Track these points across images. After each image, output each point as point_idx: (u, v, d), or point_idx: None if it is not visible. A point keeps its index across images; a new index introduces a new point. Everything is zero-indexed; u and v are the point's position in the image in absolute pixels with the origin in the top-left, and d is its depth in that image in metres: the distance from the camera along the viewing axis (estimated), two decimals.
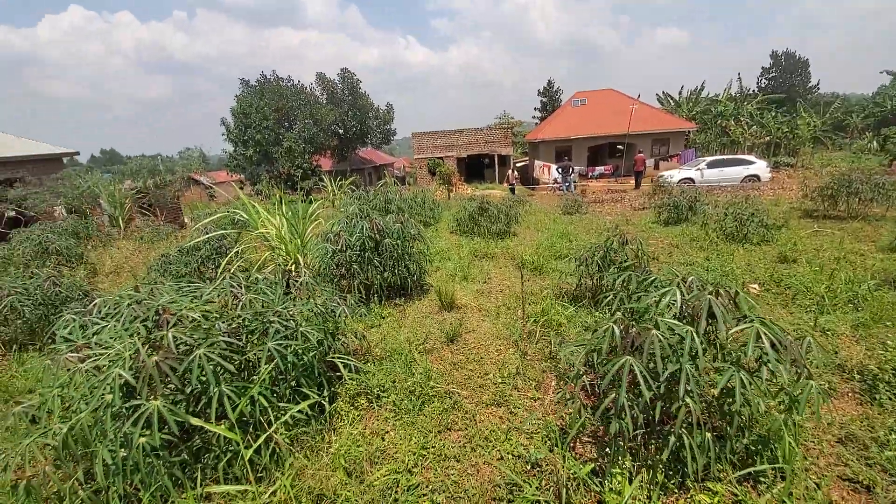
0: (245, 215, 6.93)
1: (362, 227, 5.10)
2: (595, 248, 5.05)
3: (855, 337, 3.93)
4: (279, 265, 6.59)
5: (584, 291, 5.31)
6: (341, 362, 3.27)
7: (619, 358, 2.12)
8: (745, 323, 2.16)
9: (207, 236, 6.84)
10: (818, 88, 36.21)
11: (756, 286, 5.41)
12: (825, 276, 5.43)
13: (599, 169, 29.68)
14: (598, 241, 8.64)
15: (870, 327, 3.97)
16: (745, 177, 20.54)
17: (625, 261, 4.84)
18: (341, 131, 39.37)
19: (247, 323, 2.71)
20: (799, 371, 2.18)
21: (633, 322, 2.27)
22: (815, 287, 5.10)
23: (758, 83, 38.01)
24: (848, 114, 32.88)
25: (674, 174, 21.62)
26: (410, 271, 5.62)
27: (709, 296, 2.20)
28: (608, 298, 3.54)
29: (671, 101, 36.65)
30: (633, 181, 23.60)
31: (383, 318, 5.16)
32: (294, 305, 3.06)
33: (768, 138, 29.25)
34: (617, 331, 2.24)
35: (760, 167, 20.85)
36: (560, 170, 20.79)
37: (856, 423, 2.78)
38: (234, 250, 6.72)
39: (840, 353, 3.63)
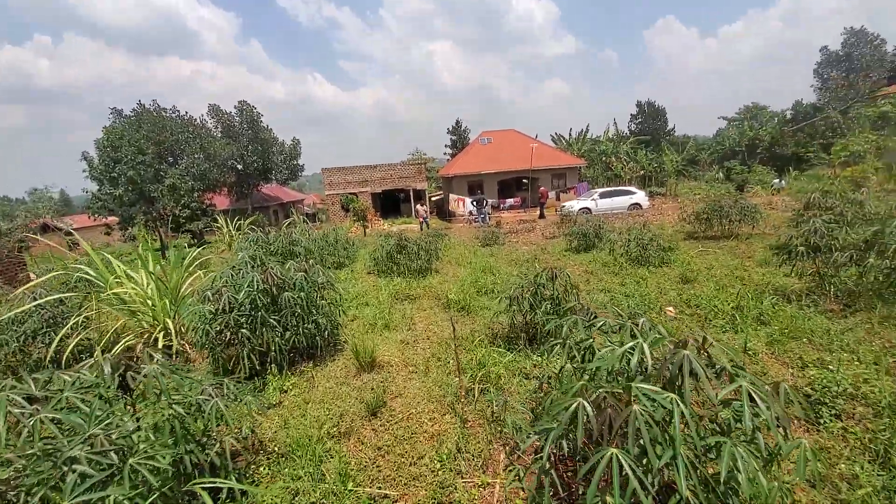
0: (91, 271, 5.32)
1: (252, 279, 4.07)
2: (525, 285, 4.71)
3: (773, 354, 4.05)
4: (143, 335, 5.10)
5: (517, 332, 4.89)
6: (210, 487, 2.23)
7: (600, 451, 1.58)
8: (730, 382, 1.79)
9: (35, 303, 5.04)
10: (674, 131, 44.04)
11: (672, 309, 5.57)
12: (726, 294, 5.82)
13: (510, 201, 31.40)
14: (519, 271, 8.67)
15: (783, 343, 4.15)
16: (630, 205, 23.27)
17: (555, 296, 4.56)
18: (240, 167, 36.24)
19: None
20: (783, 426, 1.87)
21: (605, 394, 1.77)
22: (721, 305, 5.39)
23: (628, 126, 44.81)
24: (699, 151, 40.10)
25: (574, 204, 23.70)
26: (320, 327, 4.67)
27: (684, 350, 1.81)
28: (554, 348, 3.10)
29: (563, 141, 41.09)
30: (538, 211, 25.34)
31: (285, 391, 4.09)
32: (129, 416, 2.01)
33: (642, 172, 34.11)
34: (589, 410, 1.72)
35: (641, 196, 23.88)
36: (475, 203, 21.35)
37: (817, 456, 2.62)
38: (75, 319, 5.02)
39: (768, 375, 3.65)
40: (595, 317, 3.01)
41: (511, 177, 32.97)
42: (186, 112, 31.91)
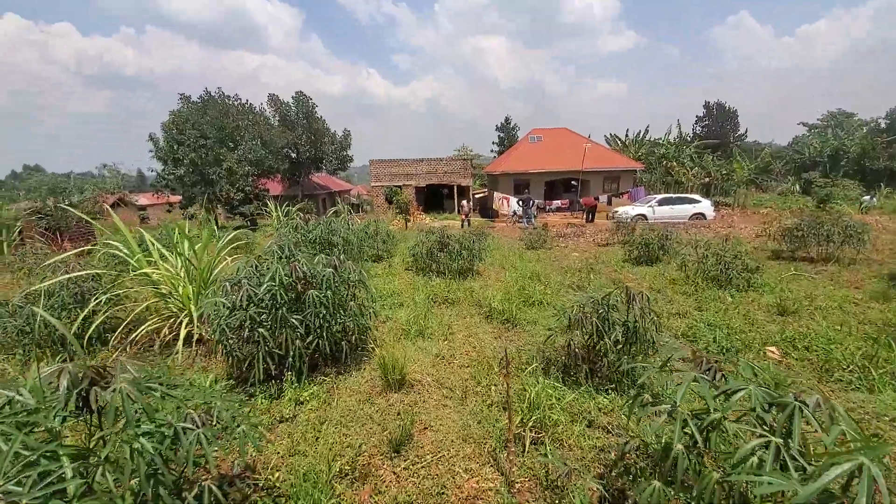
0: (123, 249, 5.13)
1: (276, 272, 3.58)
2: (591, 306, 3.88)
3: None
4: (170, 319, 4.82)
5: (576, 360, 4.08)
6: None
7: None
8: None
9: (66, 276, 4.92)
10: (746, 136, 40.09)
11: (775, 350, 4.48)
12: (845, 335, 4.63)
13: (556, 202, 29.96)
14: (572, 281, 7.74)
15: None
16: (693, 214, 21.21)
17: (630, 322, 3.70)
18: (293, 155, 37.40)
19: None
20: None
21: None
22: (841, 351, 4.24)
23: (693, 130, 41.34)
24: (773, 159, 36.30)
25: (628, 210, 21.96)
26: (347, 331, 4.13)
27: None
28: (638, 400, 2.28)
29: (619, 142, 38.65)
30: (584, 216, 23.86)
31: (301, 403, 3.58)
32: (70, 460, 1.49)
33: (707, 179, 31.22)
34: None
35: (706, 206, 21.70)
36: (521, 202, 20.33)
37: None
38: (101, 297, 4.84)
39: None
40: (713, 370, 2.15)
41: (560, 178, 31.41)
42: (247, 100, 33.30)
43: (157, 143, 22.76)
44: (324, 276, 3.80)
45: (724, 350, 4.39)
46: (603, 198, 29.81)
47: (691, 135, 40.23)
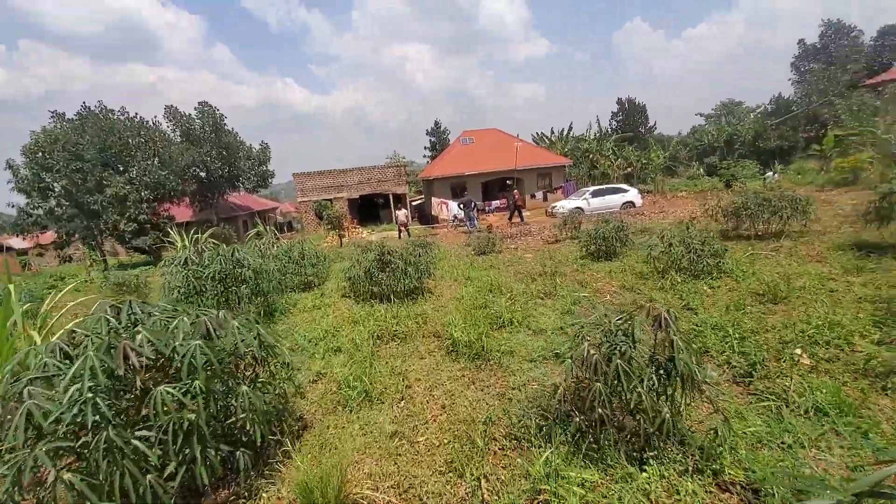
0: None
1: (83, 369, 1.96)
2: (602, 336, 2.76)
3: None
4: None
5: (593, 423, 2.93)
6: None
7: None
8: None
9: None
10: (655, 128, 43.59)
11: (803, 354, 3.74)
12: (852, 321, 4.06)
13: (495, 203, 29.75)
14: (537, 289, 6.71)
15: None
16: (623, 203, 21.91)
17: (662, 358, 2.64)
18: (203, 174, 33.25)
19: None
20: None
21: None
22: (858, 340, 3.60)
23: (609, 125, 44.07)
24: (676, 148, 39.61)
25: (565, 204, 22.17)
26: (245, 441, 2.58)
27: None
28: None
29: (546, 140, 39.84)
30: (524, 212, 23.63)
31: None
32: None
33: (630, 169, 33.09)
34: None
35: (634, 194, 22.56)
36: (462, 206, 19.44)
37: None
38: None
39: None
40: None
41: (495, 177, 31.34)
42: (137, 114, 28.79)
43: (17, 171, 18.31)
44: (188, 352, 2.24)
45: (754, 365, 3.55)
46: (538, 194, 30.22)
47: (609, 130, 42.79)
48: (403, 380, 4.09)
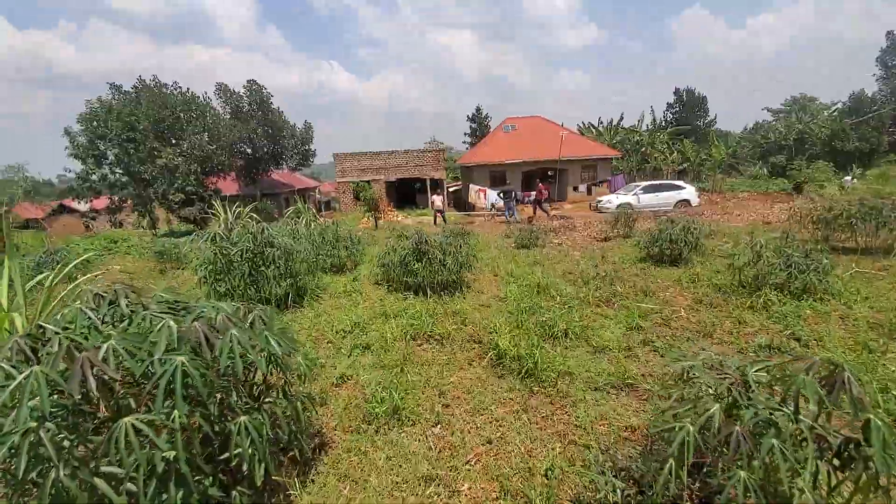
0: None
1: (30, 389, 1.45)
2: (727, 389, 1.96)
3: None
4: None
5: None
6: None
7: None
8: None
9: None
10: (715, 122, 40.10)
11: None
12: None
13: (534, 194, 28.43)
14: (594, 294, 5.83)
15: None
16: (678, 201, 20.18)
17: (830, 433, 1.82)
18: (249, 151, 34.01)
19: None
20: None
21: None
22: None
23: (664, 116, 40.98)
24: (738, 145, 36.28)
25: (612, 199, 20.70)
26: (244, 476, 2.03)
27: None
28: None
29: (593, 130, 37.64)
30: (563, 206, 22.37)
31: None
32: None
33: (686, 165, 30.61)
34: None
35: (690, 192, 20.73)
36: (501, 194, 18.51)
37: None
38: None
39: None
40: None
41: (537, 167, 29.92)
42: (189, 90, 29.64)
43: (74, 138, 19.23)
44: (167, 373, 1.67)
45: None
46: (582, 187, 28.63)
47: (664, 122, 39.86)
48: (440, 396, 3.46)
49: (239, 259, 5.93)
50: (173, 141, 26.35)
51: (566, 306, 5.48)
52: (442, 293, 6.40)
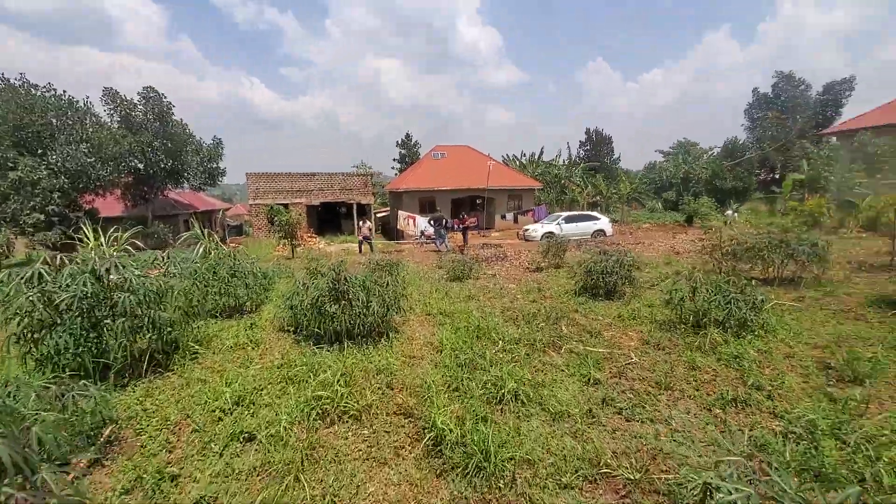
0: None
1: None
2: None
3: None
4: None
5: None
6: None
7: None
8: None
9: None
10: (619, 161, 44.81)
11: None
12: None
13: (469, 221, 28.48)
14: (540, 336, 5.18)
15: None
16: (594, 231, 21.40)
17: None
18: (141, 165, 29.47)
19: None
20: None
21: None
22: None
23: (578, 153, 44.78)
24: (638, 181, 40.71)
25: (538, 228, 21.31)
26: None
27: None
28: None
29: (517, 162, 39.59)
30: (492, 234, 22.67)
31: None
32: None
33: (598, 197, 33.27)
34: None
35: (605, 223, 22.18)
36: (432, 222, 17.89)
37: None
38: None
39: None
40: None
41: (465, 195, 30.26)
42: (66, 92, 24.99)
43: None
44: None
45: None
46: (509, 215, 29.41)
47: (577, 158, 43.43)
48: None
49: (72, 309, 4.20)
50: (40, 151, 21.66)
51: (511, 355, 4.70)
52: (364, 342, 5.25)
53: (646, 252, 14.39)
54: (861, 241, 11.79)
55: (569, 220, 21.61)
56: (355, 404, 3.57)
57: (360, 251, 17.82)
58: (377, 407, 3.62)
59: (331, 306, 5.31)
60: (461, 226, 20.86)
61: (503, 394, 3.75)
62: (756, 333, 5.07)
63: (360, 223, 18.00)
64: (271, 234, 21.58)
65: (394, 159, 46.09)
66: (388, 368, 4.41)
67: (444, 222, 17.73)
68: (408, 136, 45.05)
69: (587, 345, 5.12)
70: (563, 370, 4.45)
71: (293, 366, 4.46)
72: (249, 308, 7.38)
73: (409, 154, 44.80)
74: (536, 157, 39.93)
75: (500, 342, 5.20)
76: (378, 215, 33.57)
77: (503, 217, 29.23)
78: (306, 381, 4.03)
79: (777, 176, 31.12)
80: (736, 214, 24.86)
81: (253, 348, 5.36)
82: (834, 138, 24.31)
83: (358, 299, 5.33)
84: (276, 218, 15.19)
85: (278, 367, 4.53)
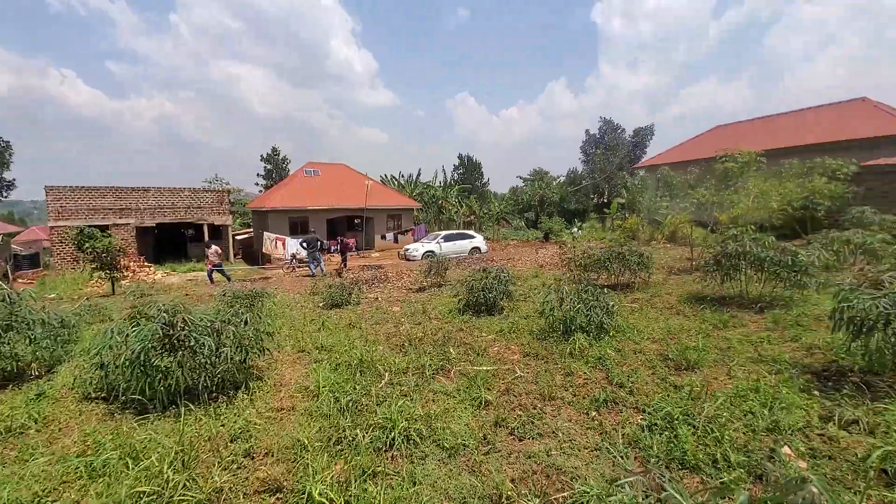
0: None
1: None
2: None
3: None
4: None
5: None
6: None
7: None
8: None
9: None
10: (489, 184, 49.33)
11: (788, 451, 2.96)
12: (794, 395, 3.66)
13: (345, 242, 27.19)
14: (430, 362, 4.84)
15: None
16: (471, 248, 22.76)
17: None
18: None
19: None
20: None
21: None
22: (829, 428, 3.07)
23: (452, 175, 47.71)
24: (503, 203, 45.53)
25: (418, 247, 21.60)
26: None
27: None
28: None
29: (395, 182, 39.97)
30: (371, 254, 22.24)
31: None
32: None
33: (473, 217, 35.67)
34: None
35: (480, 240, 23.79)
36: (306, 244, 16.38)
37: None
38: None
39: None
40: None
41: (342, 215, 29.02)
42: None
43: None
44: None
45: (759, 479, 2.52)
46: (389, 235, 29.15)
47: (452, 180, 46.16)
48: None
49: None
50: None
51: (400, 388, 4.29)
52: (215, 399, 4.17)
53: (517, 266, 15.73)
54: (667, 250, 15.03)
55: (447, 238, 22.47)
56: (198, 494, 2.66)
57: (212, 281, 15.18)
58: (231, 490, 2.76)
59: (162, 359, 4.08)
60: (338, 247, 19.79)
61: (393, 437, 3.31)
62: (611, 335, 5.74)
63: (208, 249, 15.36)
64: (81, 265, 16.74)
65: (258, 174, 41.68)
66: (246, 431, 3.52)
67: (318, 244, 16.40)
68: (275, 150, 41.41)
69: (475, 364, 5.05)
70: (454, 396, 4.23)
71: (101, 451, 3.19)
72: (37, 371, 5.33)
73: (276, 170, 41.11)
74: (414, 178, 41.04)
75: (387, 374, 4.75)
76: (238, 237, 29.64)
77: (383, 237, 28.85)
78: (121, 474, 2.89)
79: (607, 200, 38.22)
80: (580, 231, 29.57)
81: (39, 431, 3.77)
82: (643, 171, 31.01)
83: (203, 345, 4.23)
84: (87, 244, 11.77)
85: (77, 457, 3.20)
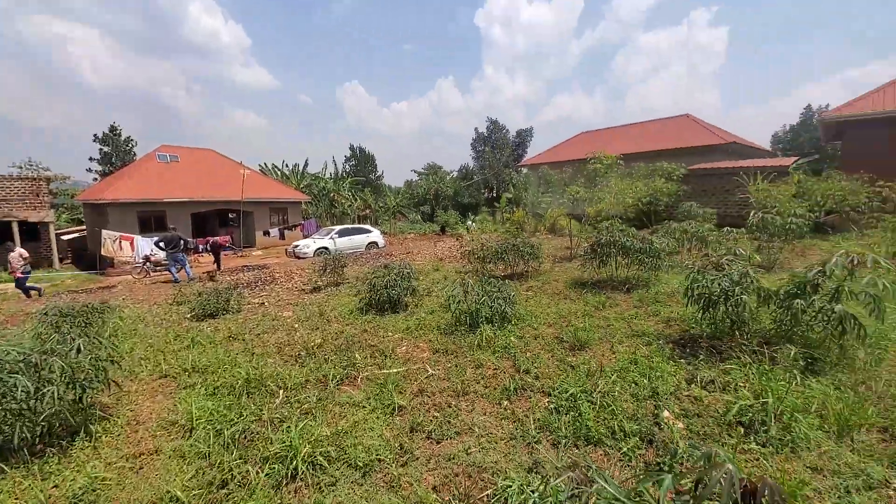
0: None
1: None
2: None
3: None
4: None
5: None
6: None
7: None
8: None
9: None
10: (383, 177, 48.31)
11: (668, 415, 3.39)
12: (664, 362, 4.26)
13: (216, 240, 23.65)
14: (330, 370, 4.25)
15: None
16: (368, 243, 22.08)
17: None
18: None
19: None
20: None
21: None
22: (698, 390, 3.65)
23: (344, 167, 45.47)
24: (403, 195, 45.37)
25: (309, 244, 20.10)
26: None
27: None
28: None
29: (278, 172, 36.38)
30: (252, 253, 19.99)
31: None
32: None
33: (368, 211, 34.55)
34: None
35: (377, 235, 23.20)
36: (164, 243, 13.68)
37: None
38: None
39: None
40: None
41: (212, 209, 25.27)
42: None
43: None
44: None
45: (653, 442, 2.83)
46: (274, 231, 26.41)
47: (344, 172, 43.98)
48: None
49: None
50: None
51: (300, 406, 3.75)
52: (39, 456, 3.06)
53: (416, 260, 15.67)
54: (549, 241, 16.67)
55: (342, 233, 21.30)
56: None
57: (28, 294, 11.73)
58: None
59: None
60: (208, 246, 17.15)
61: (296, 466, 2.83)
62: (513, 323, 6.01)
63: (11, 254, 11.81)
64: None
65: (91, 158, 33.56)
66: (91, 490, 2.63)
67: (181, 243, 13.84)
68: (113, 128, 33.79)
69: (384, 367, 4.75)
70: (364, 406, 3.88)
71: None
72: None
73: (116, 153, 33.63)
74: (301, 168, 37.90)
75: (282, 391, 4.13)
76: (66, 237, 23.62)
77: (266, 233, 26.01)
78: None
79: (496, 195, 40.89)
80: (473, 224, 31.12)
81: None
82: (525, 169, 33.96)
83: (16, 387, 3.06)
84: None
85: None
